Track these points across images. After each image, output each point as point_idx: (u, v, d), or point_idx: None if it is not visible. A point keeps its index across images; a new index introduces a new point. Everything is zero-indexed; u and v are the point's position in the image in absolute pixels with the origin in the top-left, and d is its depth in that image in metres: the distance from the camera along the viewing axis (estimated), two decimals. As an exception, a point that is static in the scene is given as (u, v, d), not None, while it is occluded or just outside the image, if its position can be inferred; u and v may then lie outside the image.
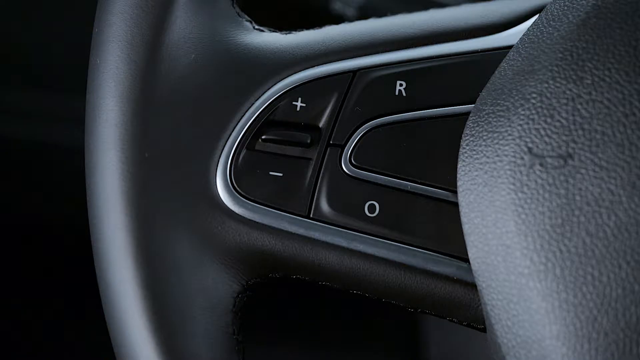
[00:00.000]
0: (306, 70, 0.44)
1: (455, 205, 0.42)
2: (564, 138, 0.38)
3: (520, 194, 0.38)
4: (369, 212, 0.43)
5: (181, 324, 0.40)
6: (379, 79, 0.44)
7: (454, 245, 0.42)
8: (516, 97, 0.40)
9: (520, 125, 0.39)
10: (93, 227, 0.42)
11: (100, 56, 0.43)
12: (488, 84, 0.43)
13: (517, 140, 0.39)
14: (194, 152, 0.43)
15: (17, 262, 1.02)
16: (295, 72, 0.44)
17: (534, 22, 0.44)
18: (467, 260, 0.41)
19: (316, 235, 0.43)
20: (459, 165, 0.41)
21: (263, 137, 0.44)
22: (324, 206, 0.43)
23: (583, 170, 0.37)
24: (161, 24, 0.43)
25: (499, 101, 0.41)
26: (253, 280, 0.43)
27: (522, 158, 0.39)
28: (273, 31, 0.46)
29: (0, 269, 1.00)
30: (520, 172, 0.38)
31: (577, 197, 0.37)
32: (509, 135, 0.39)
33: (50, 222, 1.02)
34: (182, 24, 0.44)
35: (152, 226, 0.41)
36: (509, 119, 0.40)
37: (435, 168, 0.43)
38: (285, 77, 0.44)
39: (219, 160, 0.43)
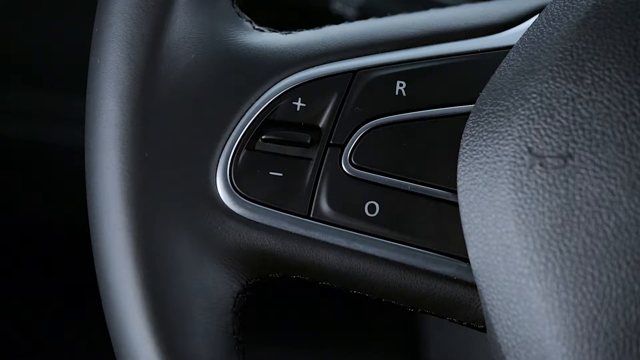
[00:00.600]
0: (306, 70, 0.44)
1: (455, 205, 0.42)
2: (564, 138, 0.38)
3: (520, 194, 0.38)
4: (369, 212, 0.43)
5: (181, 324, 0.40)
6: (379, 79, 0.44)
7: (454, 245, 0.42)
8: (516, 97, 0.40)
9: (520, 125, 0.39)
10: (93, 227, 0.42)
11: (100, 56, 0.43)
12: (488, 84, 0.43)
13: (517, 140, 0.39)
14: (194, 152, 0.43)
15: (17, 262, 1.02)
16: (295, 72, 0.44)
17: (534, 22, 0.44)
18: (467, 260, 0.41)
19: (316, 235, 0.43)
20: (459, 165, 0.41)
21: (263, 137, 0.44)
22: (324, 206, 0.43)
23: (583, 170, 0.37)
24: (161, 24, 0.43)
25: (499, 101, 0.41)
26: (253, 280, 0.43)
27: (522, 158, 0.39)
28: (273, 31, 0.46)
29: (0, 269, 1.00)
30: (520, 172, 0.38)
31: (577, 197, 0.37)
32: (509, 135, 0.39)
33: (50, 222, 1.02)
34: (182, 24, 0.44)
35: (152, 226, 0.41)
36: (509, 119, 0.40)
37: (435, 168, 0.43)
38: (285, 77, 0.44)
39: (219, 160, 0.43)
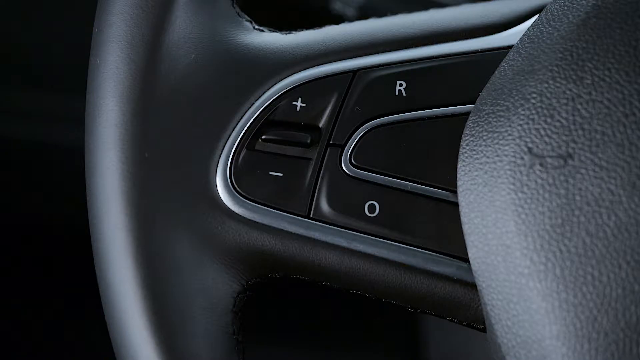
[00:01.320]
0: (306, 70, 0.44)
1: (455, 205, 0.42)
2: (564, 138, 0.38)
3: (520, 194, 0.38)
4: (369, 212, 0.43)
5: (181, 324, 0.40)
6: (379, 79, 0.44)
7: (454, 245, 0.42)
8: (516, 97, 0.40)
9: (520, 125, 0.39)
10: (93, 227, 0.42)
11: (100, 56, 0.43)
12: (488, 84, 0.43)
13: (517, 140, 0.39)
14: (194, 152, 0.43)
15: (17, 262, 1.02)
16: (295, 72, 0.44)
17: (534, 22, 0.44)
18: (467, 260, 0.41)
19: (316, 235, 0.43)
20: (459, 165, 0.41)
21: (263, 137, 0.44)
22: (324, 206, 0.43)
23: (583, 170, 0.37)
24: (161, 24, 0.43)
25: (499, 101, 0.41)
26: (253, 280, 0.43)
27: (522, 158, 0.39)
28: (273, 31, 0.46)
29: (0, 269, 1.00)
30: (520, 172, 0.38)
31: (577, 197, 0.37)
32: (509, 135, 0.39)
33: (50, 222, 1.02)
34: (182, 24, 0.44)
35: (152, 226, 0.41)
36: (509, 119, 0.40)
37: (435, 168, 0.43)
38: (285, 77, 0.44)
39: (219, 160, 0.43)
